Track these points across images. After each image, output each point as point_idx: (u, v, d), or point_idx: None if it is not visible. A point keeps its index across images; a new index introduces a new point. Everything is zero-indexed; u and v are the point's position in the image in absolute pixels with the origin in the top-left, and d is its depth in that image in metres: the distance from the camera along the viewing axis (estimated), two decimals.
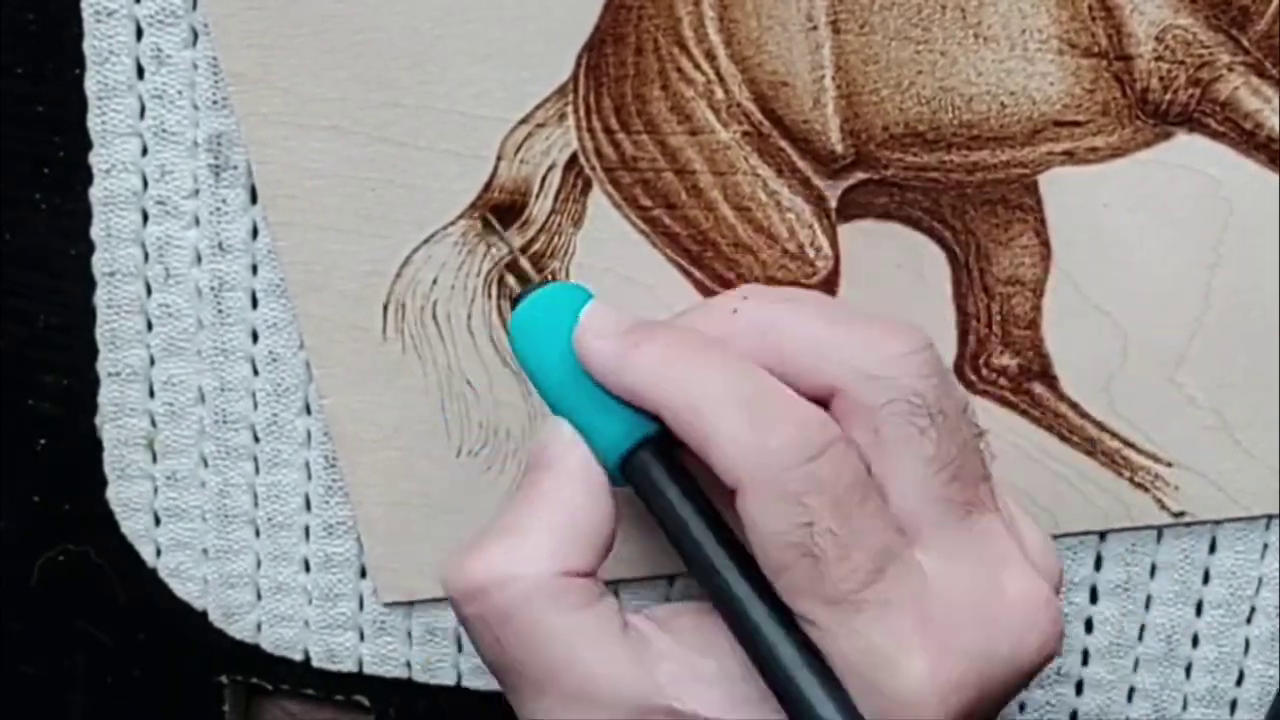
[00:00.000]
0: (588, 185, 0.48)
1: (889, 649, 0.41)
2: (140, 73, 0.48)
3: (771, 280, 0.48)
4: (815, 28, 0.45)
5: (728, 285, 0.48)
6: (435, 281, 0.49)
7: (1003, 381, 0.49)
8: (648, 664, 0.43)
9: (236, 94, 0.47)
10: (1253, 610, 0.52)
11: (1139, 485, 0.49)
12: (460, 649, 0.54)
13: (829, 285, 0.48)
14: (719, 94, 0.46)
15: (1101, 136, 0.46)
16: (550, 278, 0.48)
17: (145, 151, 0.49)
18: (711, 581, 0.43)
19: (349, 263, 0.49)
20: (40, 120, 0.49)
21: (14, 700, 0.56)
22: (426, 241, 0.48)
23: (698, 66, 0.46)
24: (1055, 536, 0.49)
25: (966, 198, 0.47)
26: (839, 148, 0.47)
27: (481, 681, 0.54)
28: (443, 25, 0.46)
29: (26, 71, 0.49)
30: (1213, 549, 0.51)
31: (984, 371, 0.49)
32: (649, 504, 0.44)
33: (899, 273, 0.48)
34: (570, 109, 0.47)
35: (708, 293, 0.48)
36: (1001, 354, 0.48)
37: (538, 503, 0.45)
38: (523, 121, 0.47)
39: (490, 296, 0.49)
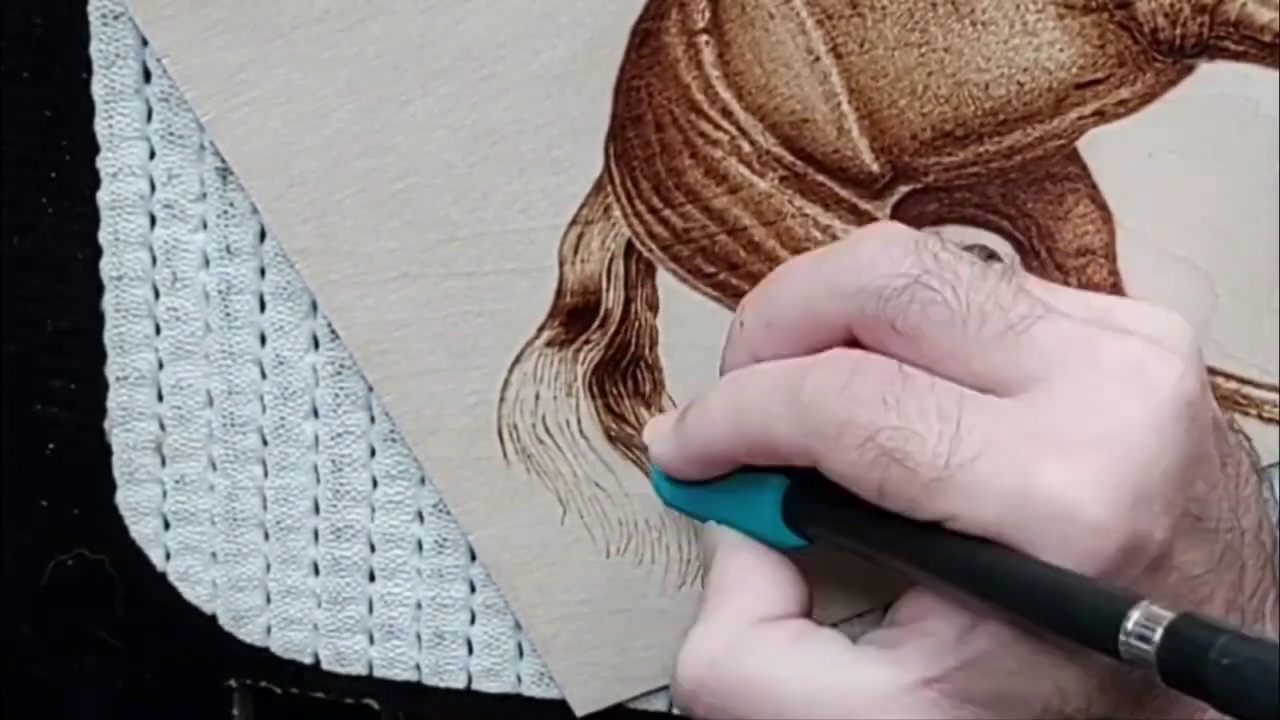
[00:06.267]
0: (651, 268, 0.49)
1: (1017, 482, 0.40)
2: (147, 76, 0.49)
3: None
4: (818, 59, 0.46)
5: None
6: (538, 396, 0.50)
7: None
8: (888, 656, 0.43)
9: (305, 269, 0.49)
10: None
11: (1268, 420, 0.48)
12: (470, 651, 0.54)
13: None
14: (746, 147, 0.47)
15: (1125, 88, 0.46)
16: None
17: (153, 155, 0.50)
18: (908, 557, 0.43)
19: (454, 399, 0.51)
20: (47, 124, 0.50)
21: (25, 703, 0.57)
22: (518, 360, 0.50)
23: (718, 126, 0.47)
24: None
25: (1012, 183, 0.47)
26: (875, 168, 0.47)
27: (492, 684, 0.54)
28: (474, 153, 0.48)
29: (33, 75, 0.49)
30: None
31: None
32: (829, 538, 0.45)
33: None
34: (613, 199, 0.48)
35: None
36: None
37: (711, 588, 0.46)
38: (572, 223, 0.49)
39: (593, 397, 0.50)
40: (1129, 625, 0.37)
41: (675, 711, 0.54)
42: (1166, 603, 0.37)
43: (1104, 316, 0.44)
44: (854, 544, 0.44)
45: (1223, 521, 0.43)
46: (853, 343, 0.43)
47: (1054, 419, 0.41)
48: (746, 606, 0.45)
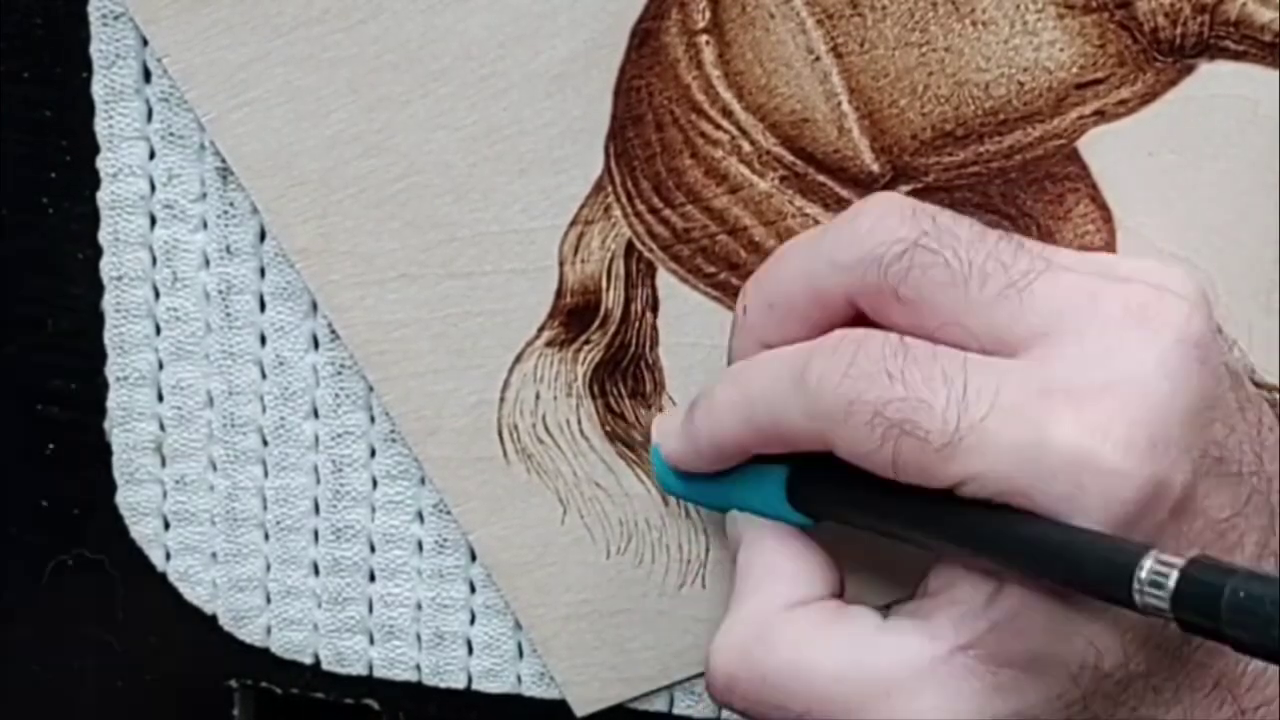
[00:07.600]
0: (651, 267, 0.49)
1: (1029, 436, 0.40)
2: (147, 76, 0.49)
3: None
4: (818, 58, 0.46)
5: None
6: (538, 396, 0.50)
7: None
8: (920, 626, 0.43)
9: (305, 269, 0.49)
10: None
11: None
12: (470, 652, 0.54)
13: None
14: (746, 147, 0.47)
15: (1125, 88, 0.46)
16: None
17: (152, 155, 0.50)
18: (925, 529, 0.43)
19: (454, 399, 0.51)
20: (47, 124, 0.50)
21: (24, 704, 0.57)
22: (518, 360, 0.50)
23: (718, 126, 0.47)
24: None
25: (1013, 182, 0.47)
26: (875, 167, 0.47)
27: (492, 685, 0.54)
28: (474, 153, 0.48)
29: (33, 75, 0.50)
30: None
31: None
32: (840, 517, 0.45)
33: None
34: (613, 199, 0.48)
35: None
36: None
37: (740, 578, 0.46)
38: (573, 223, 0.49)
39: (594, 397, 0.50)
40: (1142, 574, 0.37)
41: (675, 711, 0.54)
42: (1196, 550, 0.37)
43: (1106, 270, 0.43)
44: (866, 520, 0.45)
45: (1245, 465, 0.42)
46: (858, 319, 0.43)
47: (1061, 371, 0.41)
48: (775, 593, 0.45)
